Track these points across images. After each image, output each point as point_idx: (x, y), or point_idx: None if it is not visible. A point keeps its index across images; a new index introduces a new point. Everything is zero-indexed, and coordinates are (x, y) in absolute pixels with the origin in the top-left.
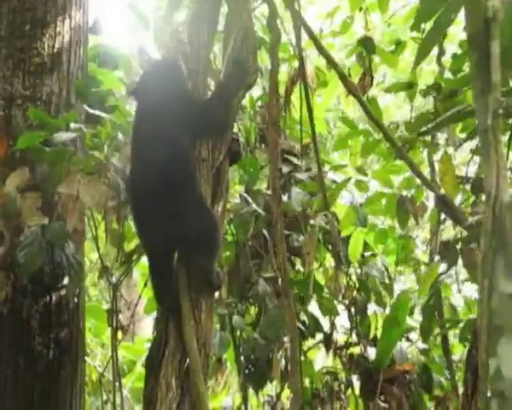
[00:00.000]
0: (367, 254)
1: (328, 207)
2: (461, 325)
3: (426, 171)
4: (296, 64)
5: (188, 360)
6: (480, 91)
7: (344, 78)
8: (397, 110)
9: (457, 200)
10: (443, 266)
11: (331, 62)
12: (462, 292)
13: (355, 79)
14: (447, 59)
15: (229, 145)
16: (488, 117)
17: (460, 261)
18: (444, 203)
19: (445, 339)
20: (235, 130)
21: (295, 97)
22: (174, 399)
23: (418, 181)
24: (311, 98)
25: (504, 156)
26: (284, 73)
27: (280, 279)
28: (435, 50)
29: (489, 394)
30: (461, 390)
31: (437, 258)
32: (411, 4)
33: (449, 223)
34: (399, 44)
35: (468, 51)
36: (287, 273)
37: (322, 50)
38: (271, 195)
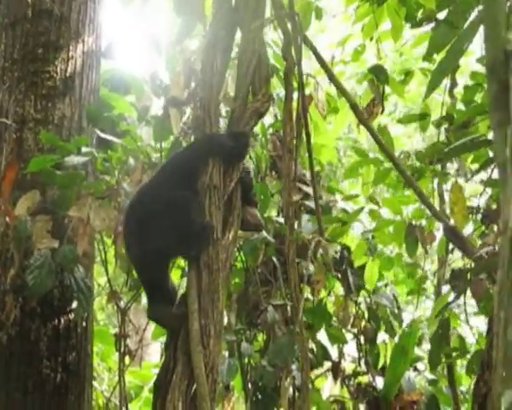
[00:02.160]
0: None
1: (323, 234)
2: (468, 356)
3: (435, 201)
4: (307, 91)
5: (195, 385)
6: (498, 123)
7: (355, 107)
8: (407, 140)
9: (467, 230)
10: (452, 296)
11: (342, 91)
12: (469, 323)
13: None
14: (459, 90)
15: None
16: (507, 149)
17: (468, 292)
18: (452, 234)
19: (450, 369)
20: (247, 161)
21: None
22: None
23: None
24: (320, 125)
25: None
26: (295, 100)
27: (289, 307)
28: (446, 81)
29: None
30: None
31: (444, 287)
32: (422, 33)
33: (457, 253)
34: (408, 74)
35: (486, 82)
36: (299, 301)
37: (333, 79)
38: (285, 222)
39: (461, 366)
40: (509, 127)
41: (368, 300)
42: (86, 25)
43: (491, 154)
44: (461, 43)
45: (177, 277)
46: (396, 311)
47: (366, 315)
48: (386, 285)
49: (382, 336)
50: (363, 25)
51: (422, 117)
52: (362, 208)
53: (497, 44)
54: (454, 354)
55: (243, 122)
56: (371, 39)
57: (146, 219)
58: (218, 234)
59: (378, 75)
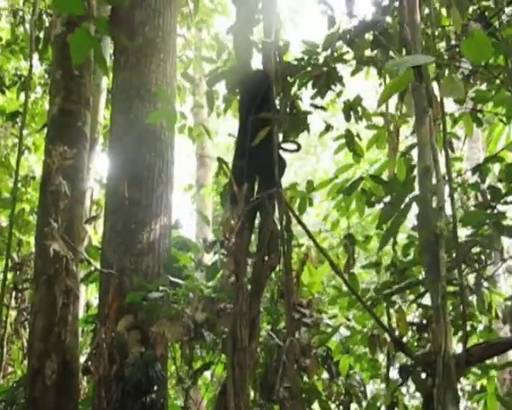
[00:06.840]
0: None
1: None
2: None
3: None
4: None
5: None
6: (432, 280)
7: (333, 264)
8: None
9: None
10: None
11: (325, 256)
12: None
13: (344, 260)
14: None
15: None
16: (439, 298)
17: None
18: (399, 344)
19: None
20: None
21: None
22: None
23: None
24: (313, 271)
25: (448, 320)
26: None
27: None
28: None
29: None
30: None
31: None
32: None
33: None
34: (368, 237)
35: (421, 255)
36: (298, 385)
37: (318, 247)
38: (287, 334)
39: None
40: (439, 284)
41: (344, 381)
42: (162, 209)
43: (421, 289)
44: (399, 218)
45: (221, 370)
46: (362, 388)
47: (343, 392)
48: (355, 372)
49: (354, 405)
50: (339, 207)
51: (377, 264)
52: (340, 325)
53: (429, 230)
54: None
55: (262, 273)
56: (344, 215)
57: None
58: (246, 344)
59: (349, 240)
